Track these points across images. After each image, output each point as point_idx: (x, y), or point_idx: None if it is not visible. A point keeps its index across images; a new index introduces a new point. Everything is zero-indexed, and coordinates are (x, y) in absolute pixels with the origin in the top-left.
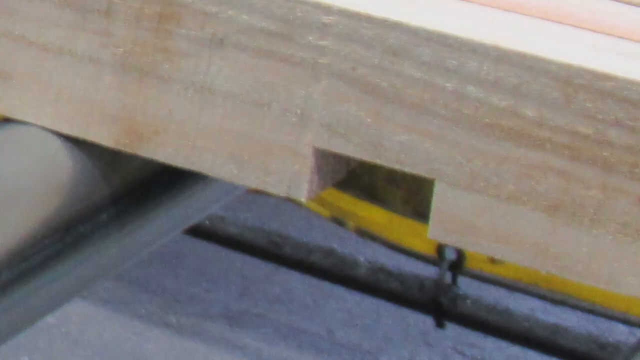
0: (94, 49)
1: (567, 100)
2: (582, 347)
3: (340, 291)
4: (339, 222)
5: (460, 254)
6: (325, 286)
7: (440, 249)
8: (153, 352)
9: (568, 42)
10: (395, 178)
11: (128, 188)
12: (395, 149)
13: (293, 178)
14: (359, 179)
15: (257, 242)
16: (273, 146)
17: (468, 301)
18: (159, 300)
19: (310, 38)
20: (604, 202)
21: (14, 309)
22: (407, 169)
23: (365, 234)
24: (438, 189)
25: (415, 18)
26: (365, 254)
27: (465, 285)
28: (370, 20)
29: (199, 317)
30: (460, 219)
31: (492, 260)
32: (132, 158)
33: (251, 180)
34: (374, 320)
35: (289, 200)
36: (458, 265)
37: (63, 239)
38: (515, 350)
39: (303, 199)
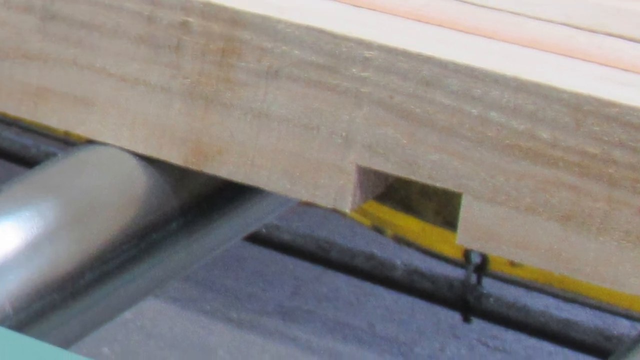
0: (165, 79)
1: (577, 124)
2: (590, 339)
3: (379, 290)
4: (378, 230)
5: (484, 258)
6: (367, 286)
7: (467, 253)
8: (216, 343)
9: (578, 74)
10: (427, 192)
11: (195, 201)
12: (428, 166)
13: (338, 192)
14: (396, 192)
15: (307, 247)
16: (321, 164)
17: (491, 299)
18: (221, 298)
19: (354, 70)
20: (609, 212)
21: (96, 305)
22: (438, 184)
23: (402, 241)
24: (465, 202)
25: (445, 52)
26: (402, 258)
27: (489, 285)
28: (406, 54)
29: (256, 313)
30: (484, 227)
31: (512, 264)
32: (198, 174)
33: (302, 193)
34: (409, 316)
35: (335, 211)
36: (482, 267)
37: (138, 245)
38: (532, 341)
39: (347, 210)
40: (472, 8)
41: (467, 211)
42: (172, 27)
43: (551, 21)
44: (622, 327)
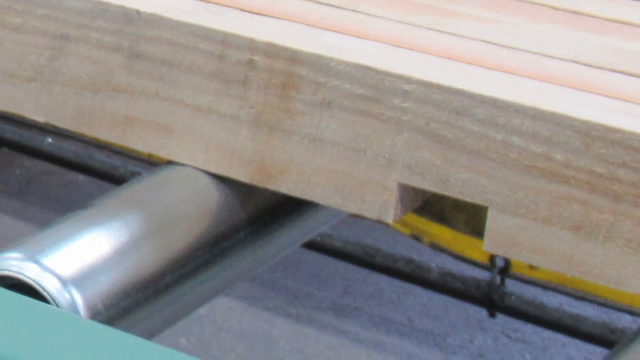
0: (234, 109)
1: (586, 148)
2: (598, 331)
3: (417, 290)
4: (416, 238)
5: (507, 262)
6: (406, 286)
7: (492, 258)
8: (278, 335)
9: (587, 104)
10: (458, 205)
11: (259, 213)
12: (459, 184)
13: (382, 206)
14: (431, 206)
15: (355, 253)
16: (367, 182)
17: (513, 297)
18: (282, 297)
19: (395, 101)
20: (614, 223)
21: (175, 303)
22: (467, 199)
23: (436, 247)
24: (490, 214)
25: (473, 86)
26: (436, 262)
27: (511, 285)
28: (439, 88)
29: (312, 309)
30: (507, 236)
31: (531, 267)
32: (262, 191)
33: (351, 207)
34: (443, 312)
35: (379, 221)
36: (505, 270)
37: (211, 251)
38: (548, 333)
39: (390, 221)
40: (495, 48)
41: (492, 222)
42: (239, 64)
43: (563, 59)
44: (625, 321)
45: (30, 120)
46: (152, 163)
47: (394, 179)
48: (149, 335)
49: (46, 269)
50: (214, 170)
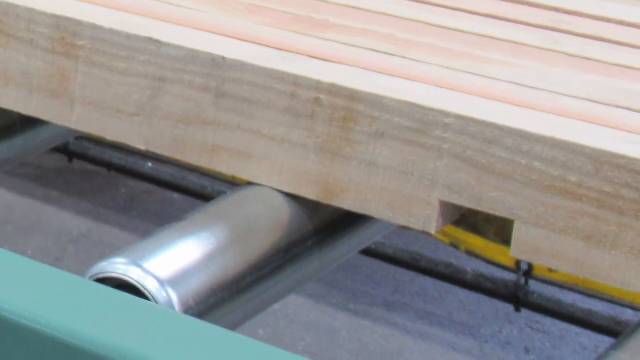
0: (303, 139)
1: (596, 171)
2: (605, 323)
3: (455, 289)
4: (454, 246)
5: (530, 266)
6: (446, 286)
7: (518, 262)
8: (339, 327)
9: (597, 135)
10: (490, 218)
11: (324, 225)
12: (490, 201)
13: (426, 219)
14: (467, 219)
15: (403, 258)
16: (414, 199)
17: (535, 295)
18: (343, 295)
19: (437, 132)
20: (619, 234)
21: (254, 300)
22: (497, 214)
23: (472, 254)
24: (516, 226)
25: (502, 120)
26: (471, 266)
27: (533, 285)
28: (474, 121)
29: (368, 305)
30: (530, 244)
31: (550, 270)
32: (327, 206)
33: (400, 220)
34: (477, 307)
35: (423, 232)
36: (529, 273)
37: (284, 256)
38: (564, 325)
39: (432, 232)
40: (521, 88)
41: (518, 233)
42: (308, 101)
43: (576, 97)
44: (628, 315)
45: (133, 148)
46: (234, 184)
47: (436, 197)
48: (232, 327)
49: (147, 271)
50: (286, 189)
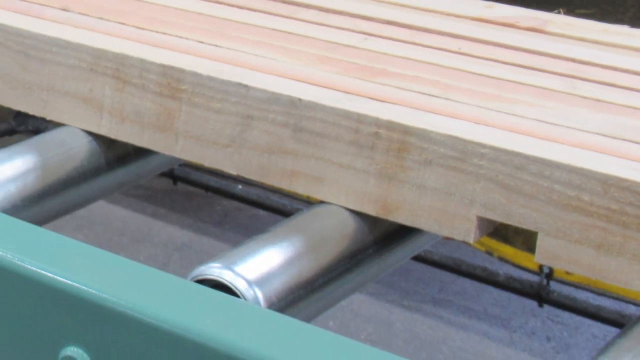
0: (365, 166)
1: (605, 192)
2: (613, 317)
3: (489, 289)
4: (489, 253)
5: (551, 270)
6: (482, 286)
7: (541, 267)
8: (395, 320)
9: (606, 163)
10: (518, 230)
11: (382, 236)
12: (518, 216)
13: (466, 231)
14: (499, 231)
15: (447, 263)
16: (456, 215)
17: (555, 293)
18: (398, 293)
19: (475, 160)
20: (623, 244)
21: (325, 297)
22: (524, 226)
23: (503, 260)
24: (540, 237)
25: (528, 150)
26: (502, 270)
27: (553, 285)
28: (505, 151)
29: (418, 301)
30: (551, 252)
31: (567, 273)
32: (384, 220)
33: (445, 232)
34: (507, 303)
35: (464, 242)
36: (550, 275)
37: (349, 262)
38: (578, 318)
39: (471, 241)
40: (543, 124)
41: (541, 242)
42: (369, 135)
43: (589, 132)
44: (632, 310)
45: (226, 173)
46: (309, 202)
47: (474, 213)
48: (307, 319)
49: (237, 274)
50: (351, 207)
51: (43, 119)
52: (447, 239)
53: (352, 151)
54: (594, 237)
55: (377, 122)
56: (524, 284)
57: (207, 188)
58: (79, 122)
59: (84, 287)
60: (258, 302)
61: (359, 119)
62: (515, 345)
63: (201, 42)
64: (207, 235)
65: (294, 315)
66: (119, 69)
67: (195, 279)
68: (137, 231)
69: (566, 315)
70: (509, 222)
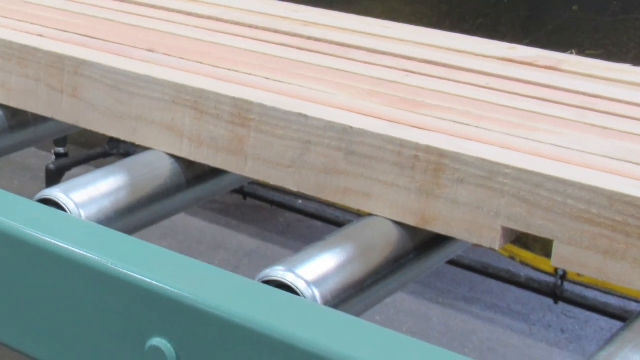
0: (406, 184)
1: (610, 205)
2: (617, 312)
3: (512, 288)
4: (512, 258)
5: (565, 272)
6: (506, 286)
7: (556, 269)
8: (432, 315)
9: (612, 181)
10: (536, 238)
11: (421, 242)
12: (537, 226)
13: (492, 239)
14: (521, 239)
15: (476, 266)
16: (484, 225)
17: (567, 292)
18: (434, 292)
19: (500, 179)
20: (626, 250)
21: (373, 295)
22: (542, 235)
23: (524, 263)
24: (555, 244)
25: (545, 170)
26: (523, 272)
27: (567, 285)
28: (526, 171)
29: (452, 299)
30: (565, 257)
31: (579, 274)
32: (423, 230)
33: (474, 240)
34: (527, 300)
35: (490, 248)
36: (564, 276)
37: (393, 265)
38: (588, 313)
39: (497, 248)
40: (559, 148)
41: (557, 249)
42: (410, 157)
43: (597, 155)
44: (633, 306)
45: (289, 190)
46: (359, 214)
47: (499, 224)
48: (357, 314)
49: (298, 276)
50: (395, 218)
51: (132, 144)
52: (476, 246)
53: (396, 171)
54: (601, 244)
55: (417, 147)
56: (542, 284)
57: (272, 202)
58: (163, 147)
59: (167, 286)
60: (315, 300)
61: (402, 143)
62: (534, 336)
63: (267, 78)
64: (271, 243)
65: (346, 311)
66: (197, 101)
67: (262, 280)
68: (213, 240)
69: (577, 311)
70: (529, 232)
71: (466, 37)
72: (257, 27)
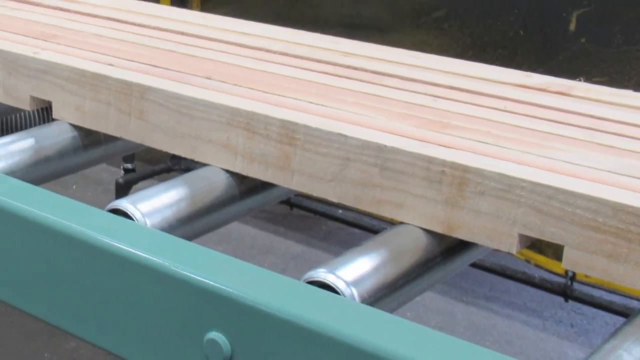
0: (434, 196)
1: (614, 215)
2: (621, 309)
3: (528, 288)
4: (527, 261)
5: (574, 273)
6: (522, 286)
7: (566, 271)
8: (457, 311)
9: (617, 194)
10: (549, 244)
11: (447, 247)
12: (550, 233)
13: (510, 244)
14: (535, 244)
15: (496, 268)
16: (503, 232)
17: (577, 291)
18: (458, 291)
19: (517, 191)
20: (628, 254)
21: (405, 294)
22: (554, 241)
23: (538, 265)
24: (565, 249)
25: (557, 183)
26: (538, 273)
27: (576, 285)
28: (540, 185)
29: (474, 298)
30: (574, 260)
31: (586, 276)
32: (449, 237)
33: (494, 245)
34: (541, 299)
35: (508, 253)
36: (573, 277)
37: (422, 267)
38: (594, 310)
39: (514, 252)
40: (569, 165)
41: (567, 253)
42: (437, 172)
43: (604, 170)
44: (635, 304)
45: (330, 201)
46: (393, 223)
47: (516, 231)
48: (391, 311)
49: (338, 277)
50: (424, 226)
51: (192, 160)
52: (496, 250)
53: (425, 184)
54: (606, 249)
55: (443, 163)
56: (554, 284)
57: (315, 212)
58: (219, 163)
59: (223, 286)
60: (354, 298)
61: (430, 160)
62: (547, 330)
63: (310, 102)
64: (315, 248)
65: (380, 308)
66: (249, 123)
67: (307, 280)
68: (263, 245)
69: (585, 308)
70: (542, 238)
71: (487, 66)
72: (301, 57)
